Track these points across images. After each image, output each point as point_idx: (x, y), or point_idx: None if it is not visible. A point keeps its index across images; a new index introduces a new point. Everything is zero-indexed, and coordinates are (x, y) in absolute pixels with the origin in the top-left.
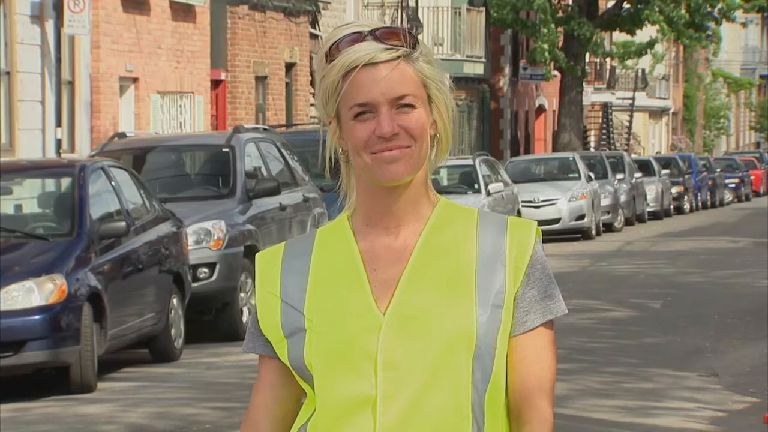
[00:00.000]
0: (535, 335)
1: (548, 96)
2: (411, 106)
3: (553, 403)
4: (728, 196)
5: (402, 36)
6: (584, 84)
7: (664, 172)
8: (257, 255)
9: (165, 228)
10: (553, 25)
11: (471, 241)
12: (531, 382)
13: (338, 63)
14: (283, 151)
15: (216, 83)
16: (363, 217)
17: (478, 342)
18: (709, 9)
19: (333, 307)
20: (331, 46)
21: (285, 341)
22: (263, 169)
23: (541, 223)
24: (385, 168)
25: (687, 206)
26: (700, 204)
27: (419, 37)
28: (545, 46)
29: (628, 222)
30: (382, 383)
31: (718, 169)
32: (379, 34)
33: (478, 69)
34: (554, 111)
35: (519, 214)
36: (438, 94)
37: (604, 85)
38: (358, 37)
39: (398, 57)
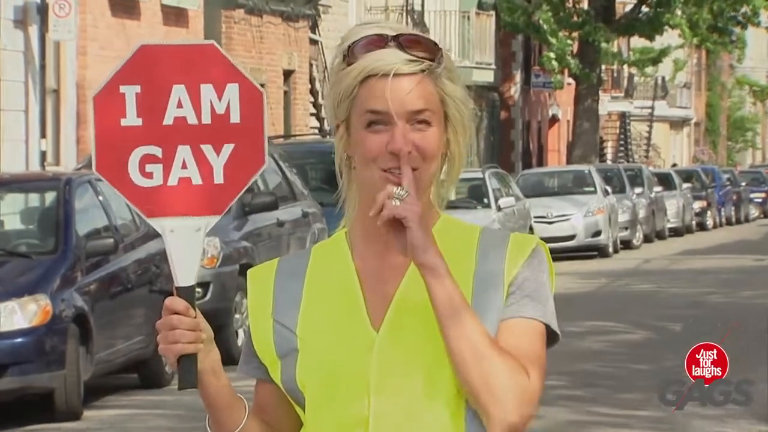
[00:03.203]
0: (512, 329)
1: (562, 105)
2: (427, 123)
3: (543, 378)
4: (754, 212)
5: (427, 46)
6: (600, 92)
7: (685, 185)
8: (249, 272)
9: (155, 245)
10: (561, 34)
11: (470, 259)
12: (516, 353)
13: (357, 68)
14: (280, 163)
15: None
16: (361, 231)
17: None
18: (732, 13)
19: (326, 326)
20: (349, 47)
21: (278, 363)
22: (260, 183)
23: (554, 239)
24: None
25: (710, 222)
26: (723, 220)
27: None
28: (552, 55)
29: (647, 239)
30: (374, 403)
31: (744, 183)
32: (403, 41)
33: (488, 76)
34: (569, 121)
35: (531, 230)
36: (456, 113)
37: (622, 94)
38: (380, 41)
39: (422, 71)
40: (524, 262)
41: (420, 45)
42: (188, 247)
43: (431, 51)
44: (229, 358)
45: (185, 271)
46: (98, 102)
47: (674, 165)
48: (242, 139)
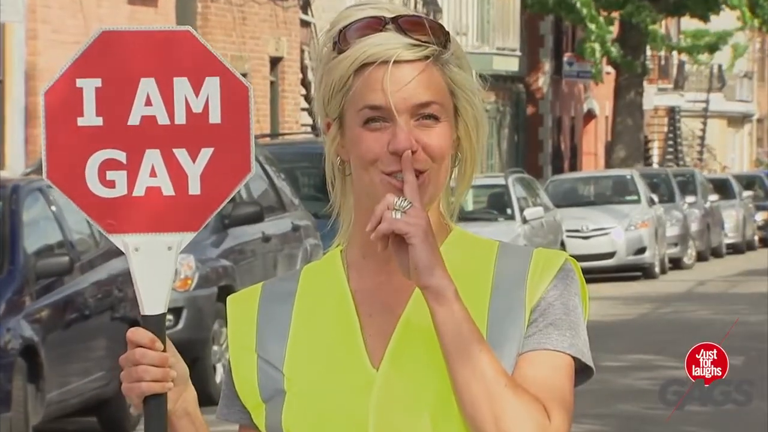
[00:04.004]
0: (546, 354)
1: (600, 98)
2: (435, 118)
3: (569, 420)
4: None
5: (431, 29)
6: (645, 83)
7: (746, 193)
8: (228, 300)
9: (119, 264)
10: (602, 19)
11: (485, 281)
12: (536, 390)
13: (351, 55)
14: (267, 167)
15: None
16: (360, 247)
17: None
18: None
19: (317, 363)
20: (341, 31)
21: (263, 406)
22: (242, 191)
23: (591, 257)
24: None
25: None
26: None
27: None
28: (596, 45)
29: (700, 257)
30: None
31: None
32: (403, 24)
33: (512, 64)
34: (607, 117)
35: (563, 245)
36: (467, 107)
37: (671, 85)
38: (376, 24)
39: (427, 57)
40: (549, 283)
41: (423, 28)
42: (157, 268)
43: (436, 34)
44: (206, 397)
45: (153, 297)
46: (50, 98)
47: (724, 168)
48: (223, 142)
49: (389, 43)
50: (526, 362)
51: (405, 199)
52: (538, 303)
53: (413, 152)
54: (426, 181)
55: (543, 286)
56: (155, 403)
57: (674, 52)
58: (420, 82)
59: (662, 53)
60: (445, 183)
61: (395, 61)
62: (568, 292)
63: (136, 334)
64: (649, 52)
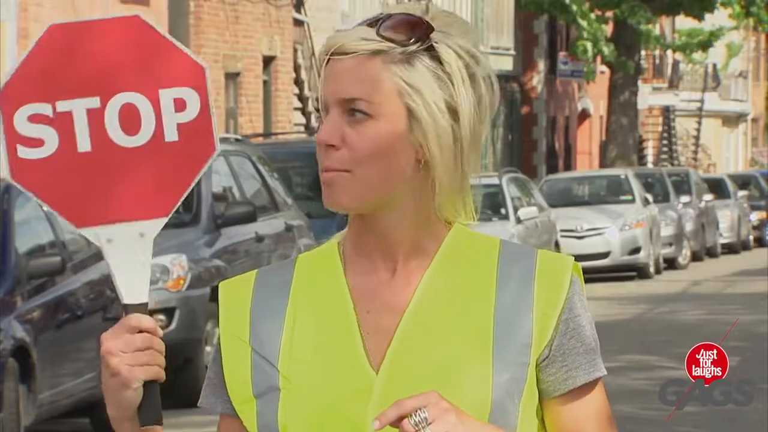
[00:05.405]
0: (585, 394)
1: (594, 98)
2: (364, 113)
3: None
4: None
5: (412, 25)
6: (640, 83)
7: (741, 193)
8: (221, 285)
9: None
10: (593, 16)
11: (490, 279)
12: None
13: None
14: (259, 167)
15: None
16: (352, 243)
17: (493, 408)
18: None
19: (314, 361)
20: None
21: (253, 402)
22: (235, 190)
23: (585, 257)
24: (324, 191)
25: None
26: None
27: (434, 30)
28: (587, 44)
29: (695, 257)
30: None
31: None
32: (381, 21)
33: (506, 64)
34: (602, 116)
35: (557, 245)
36: (423, 112)
37: (666, 84)
38: (365, 23)
39: (372, 51)
40: (565, 303)
41: (402, 26)
42: (133, 257)
43: (411, 31)
44: (197, 399)
45: (133, 287)
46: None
47: (708, 166)
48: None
49: (345, 36)
50: (577, 412)
51: (418, 412)
52: (558, 331)
53: (334, 147)
54: (349, 180)
55: (558, 304)
56: (152, 390)
57: (668, 52)
58: (351, 76)
59: (656, 53)
60: (395, 182)
61: (339, 53)
62: (585, 309)
63: (138, 319)
64: (643, 51)
